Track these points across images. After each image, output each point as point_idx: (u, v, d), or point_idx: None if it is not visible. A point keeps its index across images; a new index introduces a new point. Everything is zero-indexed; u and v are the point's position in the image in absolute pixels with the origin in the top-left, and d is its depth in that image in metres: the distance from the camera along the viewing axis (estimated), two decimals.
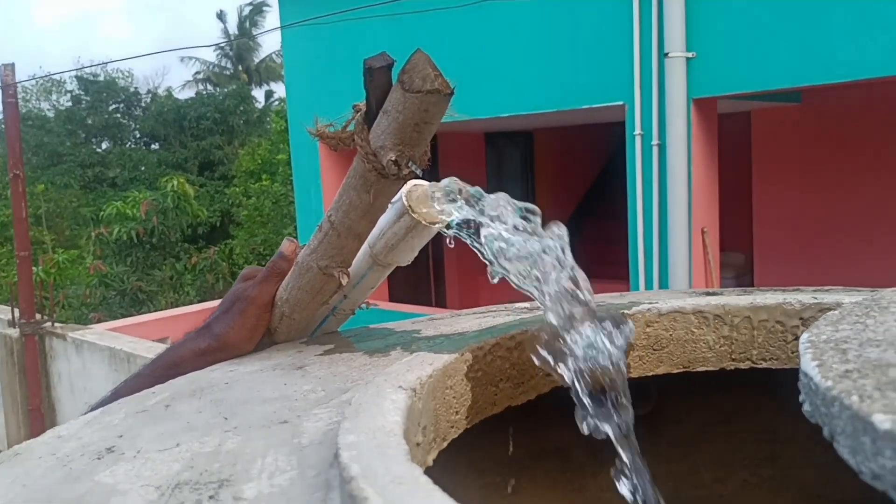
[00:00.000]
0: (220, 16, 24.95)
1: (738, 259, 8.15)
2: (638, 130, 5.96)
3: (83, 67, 18.62)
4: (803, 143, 7.60)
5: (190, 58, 23.93)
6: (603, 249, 8.85)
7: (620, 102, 6.03)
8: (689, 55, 5.58)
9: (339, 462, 0.50)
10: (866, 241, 7.07)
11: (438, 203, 0.84)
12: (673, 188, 5.75)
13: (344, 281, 0.89)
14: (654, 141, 5.88)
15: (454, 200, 0.82)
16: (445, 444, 0.74)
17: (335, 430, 0.64)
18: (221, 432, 0.67)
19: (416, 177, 0.78)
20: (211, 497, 0.54)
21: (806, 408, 0.49)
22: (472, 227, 0.80)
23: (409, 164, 0.74)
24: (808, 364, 0.49)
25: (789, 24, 5.17)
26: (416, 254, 0.98)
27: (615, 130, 7.24)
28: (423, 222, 0.89)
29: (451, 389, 0.75)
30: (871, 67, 4.89)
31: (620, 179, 6.44)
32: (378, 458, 0.49)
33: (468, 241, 0.80)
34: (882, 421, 0.39)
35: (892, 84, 5.70)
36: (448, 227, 0.84)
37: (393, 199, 0.89)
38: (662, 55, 5.65)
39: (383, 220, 0.91)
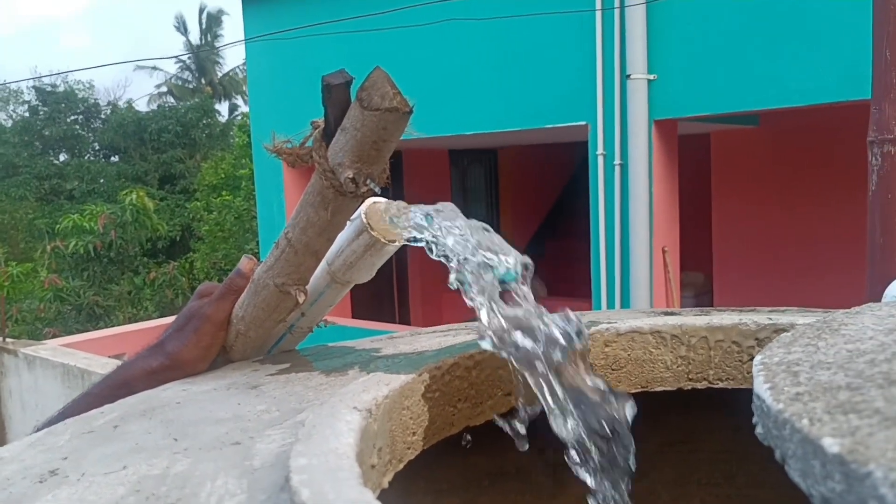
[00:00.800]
0: (180, 28, 24.67)
1: (698, 278, 8.28)
2: (600, 150, 6.04)
3: (41, 76, 18.26)
4: (761, 164, 7.77)
5: (154, 68, 23.66)
6: (566, 267, 8.92)
7: (583, 122, 6.11)
8: (651, 77, 5.68)
9: (289, 486, 0.49)
10: (822, 260, 7.24)
11: (397, 221, 0.84)
12: (634, 208, 5.82)
13: (301, 299, 0.88)
14: (617, 161, 5.96)
15: (413, 218, 0.82)
16: (402, 466, 0.73)
17: (288, 452, 0.63)
18: (171, 454, 0.65)
19: (375, 194, 0.77)
20: None
21: (759, 430, 0.49)
22: (429, 246, 0.80)
23: (368, 182, 0.73)
24: (760, 386, 0.49)
25: (747, 50, 5.30)
26: (374, 272, 0.97)
27: (578, 149, 7.33)
28: (383, 240, 0.88)
29: (408, 410, 0.74)
30: (823, 93, 5.03)
31: (583, 198, 6.51)
32: (329, 481, 0.48)
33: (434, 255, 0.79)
34: (831, 444, 0.39)
35: (845, 109, 5.86)
36: (410, 242, 0.83)
37: (352, 217, 0.88)
38: (625, 77, 5.74)
39: (342, 238, 0.90)
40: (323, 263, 0.94)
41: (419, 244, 0.81)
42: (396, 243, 0.89)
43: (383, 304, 8.70)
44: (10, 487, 0.61)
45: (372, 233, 0.87)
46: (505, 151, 9.99)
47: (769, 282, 7.59)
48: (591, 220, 6.24)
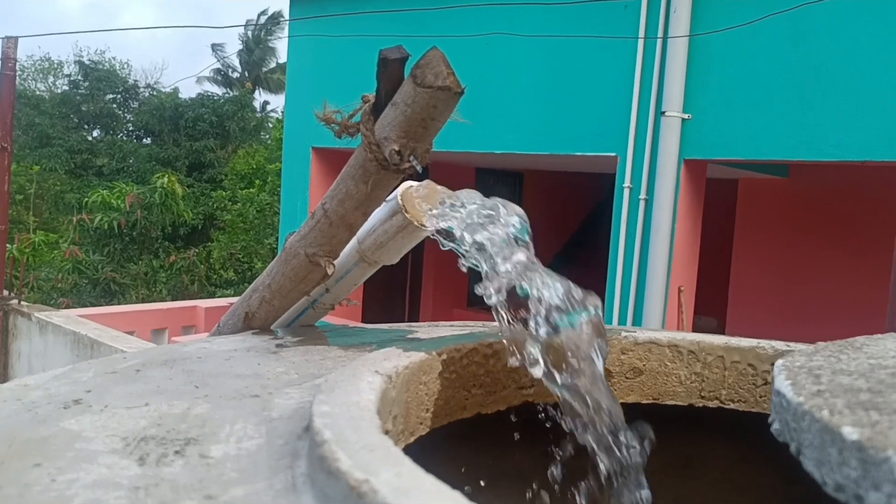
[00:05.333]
0: (247, 26, 25.13)
1: (710, 324, 8.22)
2: (627, 183, 6.03)
3: (83, 31, 18.41)
4: (786, 216, 7.72)
5: (216, 48, 24.05)
6: None
7: (613, 154, 6.11)
8: (685, 116, 5.68)
9: (312, 427, 0.50)
10: (839, 317, 7.17)
11: (431, 206, 0.85)
12: (655, 243, 5.80)
13: (330, 271, 0.90)
14: (642, 195, 5.95)
15: (448, 205, 0.83)
16: (413, 439, 0.74)
17: (306, 408, 0.64)
18: (191, 398, 0.67)
19: (416, 172, 0.78)
20: (177, 452, 0.53)
21: (775, 426, 0.50)
22: (458, 236, 0.81)
23: (411, 158, 0.75)
24: (781, 384, 0.50)
25: (784, 99, 5.29)
26: (402, 255, 0.98)
27: (603, 181, 7.33)
28: (415, 223, 0.89)
29: (425, 385, 0.75)
30: (858, 150, 5.00)
31: (603, 230, 6.50)
32: (351, 428, 0.49)
33: (459, 249, 0.81)
34: (850, 433, 0.40)
35: (876, 169, 5.83)
36: (443, 233, 0.84)
37: (388, 198, 0.90)
38: (659, 113, 5.74)
39: (375, 217, 0.92)
40: (353, 241, 0.95)
41: (448, 239, 0.82)
42: (428, 228, 0.91)
43: (394, 311, 8.69)
44: (35, 409, 0.63)
45: (406, 215, 0.89)
46: (531, 175, 10.00)
47: (783, 334, 7.51)
48: (611, 253, 6.22)
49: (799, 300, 7.55)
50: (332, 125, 0.78)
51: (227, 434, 0.58)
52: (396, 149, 0.72)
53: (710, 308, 7.97)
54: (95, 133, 19.96)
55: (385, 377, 0.64)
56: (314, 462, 0.47)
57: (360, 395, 0.57)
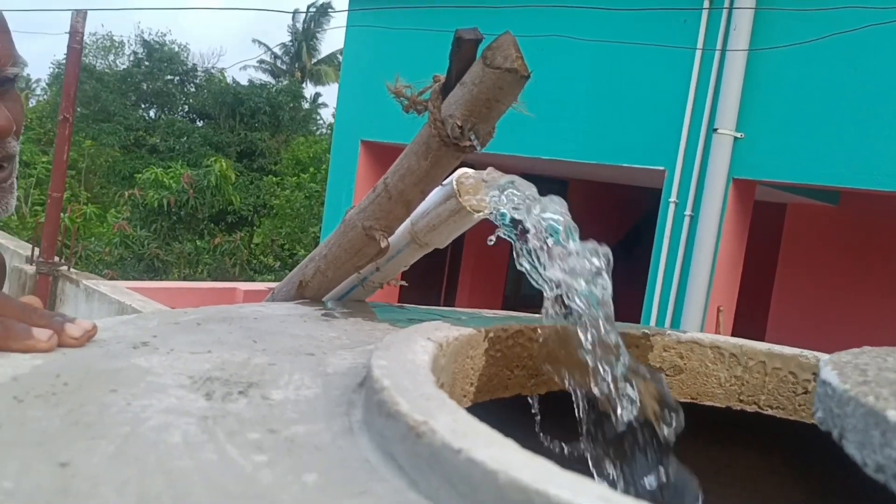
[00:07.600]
0: (295, 15, 25.59)
1: None
2: (674, 198, 5.98)
3: (145, 8, 18.76)
4: (834, 245, 7.58)
5: (259, 43, 24.48)
6: (617, 313, 8.81)
7: (661, 167, 6.07)
8: (738, 135, 5.62)
9: (370, 376, 0.53)
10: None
11: (486, 192, 0.88)
12: (697, 261, 5.75)
13: (384, 244, 0.93)
14: (688, 211, 5.90)
15: (502, 192, 0.86)
16: None
17: (359, 368, 0.67)
18: (251, 350, 0.70)
19: (476, 151, 0.81)
20: (240, 392, 0.57)
21: (819, 415, 0.51)
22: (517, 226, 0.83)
23: (472, 136, 0.77)
24: (828, 374, 0.51)
25: (840, 124, 5.20)
26: (451, 239, 1.01)
27: (648, 196, 7.28)
28: (468, 208, 0.92)
29: (471, 360, 0.78)
30: None
31: (644, 245, 6.45)
32: (408, 379, 0.52)
33: (511, 238, 0.83)
34: (894, 415, 0.41)
35: None
36: (496, 219, 0.86)
37: (444, 182, 0.93)
38: (711, 129, 5.69)
39: (430, 200, 0.95)
40: (407, 222, 0.98)
41: (501, 221, 0.84)
42: (479, 214, 0.93)
43: (430, 297, 8.71)
44: (107, 346, 0.67)
45: (459, 199, 0.92)
46: (576, 184, 9.97)
47: None
48: (651, 267, 6.18)
49: (839, 332, 7.39)
50: (402, 99, 0.81)
51: (285, 382, 0.61)
52: (459, 124, 0.75)
53: (748, 332, 7.84)
54: (152, 112, 20.42)
55: (437, 344, 0.67)
56: (372, 408, 0.50)
57: (414, 354, 0.60)
